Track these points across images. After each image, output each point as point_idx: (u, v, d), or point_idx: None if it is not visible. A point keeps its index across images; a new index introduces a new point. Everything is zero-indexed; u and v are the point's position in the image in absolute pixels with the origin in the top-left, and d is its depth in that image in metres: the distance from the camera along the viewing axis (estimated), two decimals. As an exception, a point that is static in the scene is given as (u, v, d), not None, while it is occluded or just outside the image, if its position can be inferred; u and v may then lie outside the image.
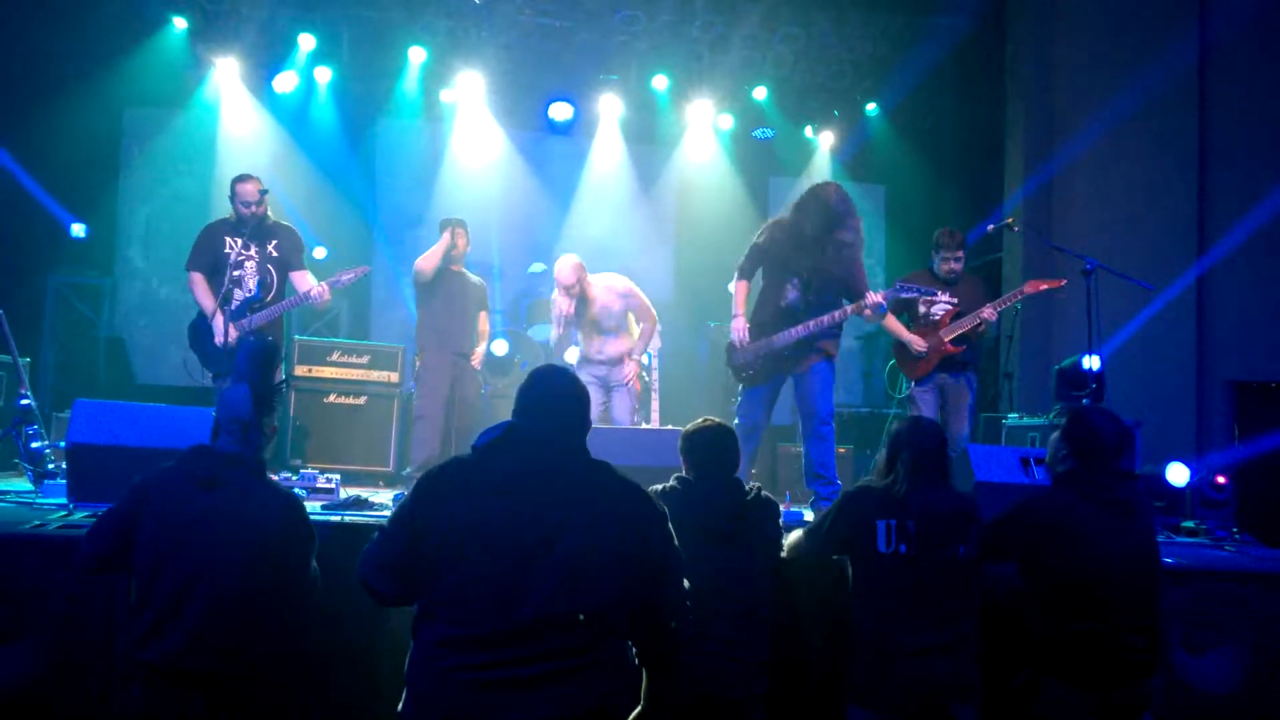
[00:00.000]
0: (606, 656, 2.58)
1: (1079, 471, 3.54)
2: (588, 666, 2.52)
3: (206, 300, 5.89)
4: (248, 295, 5.92)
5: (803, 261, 5.50)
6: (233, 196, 6.01)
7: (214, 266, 5.95)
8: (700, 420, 3.69)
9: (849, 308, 5.52)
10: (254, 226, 5.96)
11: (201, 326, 5.92)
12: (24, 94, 8.28)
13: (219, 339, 5.73)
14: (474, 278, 6.89)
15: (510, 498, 2.54)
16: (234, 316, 5.83)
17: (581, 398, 2.80)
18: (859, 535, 3.45)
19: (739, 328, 5.63)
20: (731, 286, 5.82)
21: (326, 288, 5.94)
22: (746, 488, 3.60)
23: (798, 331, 5.47)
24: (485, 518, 2.51)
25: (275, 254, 6.06)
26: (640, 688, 2.77)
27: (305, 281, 6.08)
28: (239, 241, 5.96)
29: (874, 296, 5.45)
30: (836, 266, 5.50)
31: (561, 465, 2.65)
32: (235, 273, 5.91)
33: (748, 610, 3.45)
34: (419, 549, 2.54)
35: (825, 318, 5.45)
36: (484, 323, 6.91)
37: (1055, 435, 3.65)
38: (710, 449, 3.58)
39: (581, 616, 2.50)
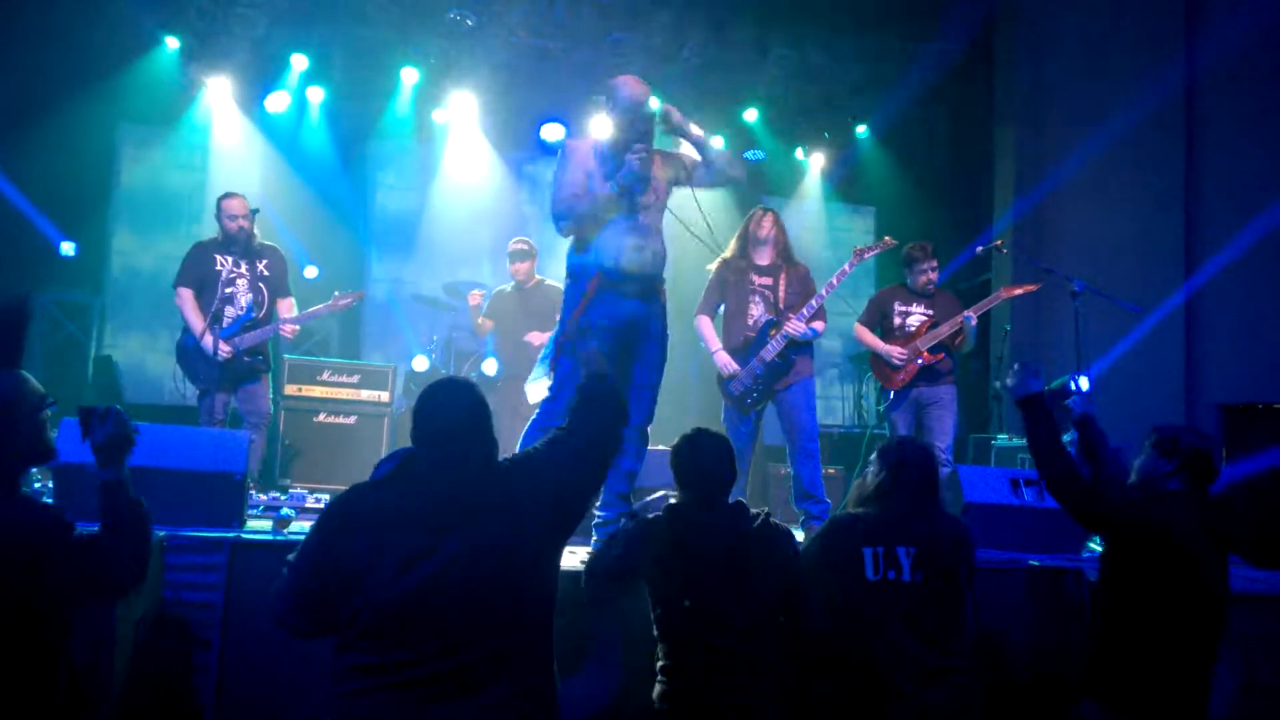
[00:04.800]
0: (527, 682, 2.55)
1: (1195, 495, 3.37)
2: (508, 695, 2.48)
3: (195, 318, 5.89)
4: (240, 313, 5.94)
5: (763, 282, 5.62)
6: (219, 214, 6.06)
7: (202, 284, 5.97)
8: (692, 431, 3.48)
9: (828, 283, 5.56)
10: (244, 245, 6.01)
11: (189, 344, 5.92)
12: (14, 111, 8.26)
13: (219, 355, 5.74)
14: (537, 290, 7.09)
15: (408, 533, 2.48)
16: (226, 334, 5.83)
17: (478, 411, 2.71)
18: (845, 563, 3.33)
19: (724, 361, 5.60)
20: (696, 324, 5.80)
21: (295, 329, 6.12)
22: (752, 513, 3.37)
23: (787, 331, 5.45)
24: (387, 553, 2.45)
25: (266, 273, 6.11)
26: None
27: (287, 308, 6.16)
28: (230, 260, 6.00)
29: (838, 274, 5.60)
30: (796, 282, 5.65)
31: (461, 490, 2.57)
32: (227, 290, 5.93)
33: (757, 650, 3.19)
34: (328, 583, 2.48)
35: (805, 309, 5.47)
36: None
37: (1151, 454, 3.46)
38: (701, 462, 3.37)
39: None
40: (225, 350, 5.77)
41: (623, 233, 4.43)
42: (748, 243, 5.70)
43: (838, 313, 9.95)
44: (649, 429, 4.69)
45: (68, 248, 8.44)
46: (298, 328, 6.17)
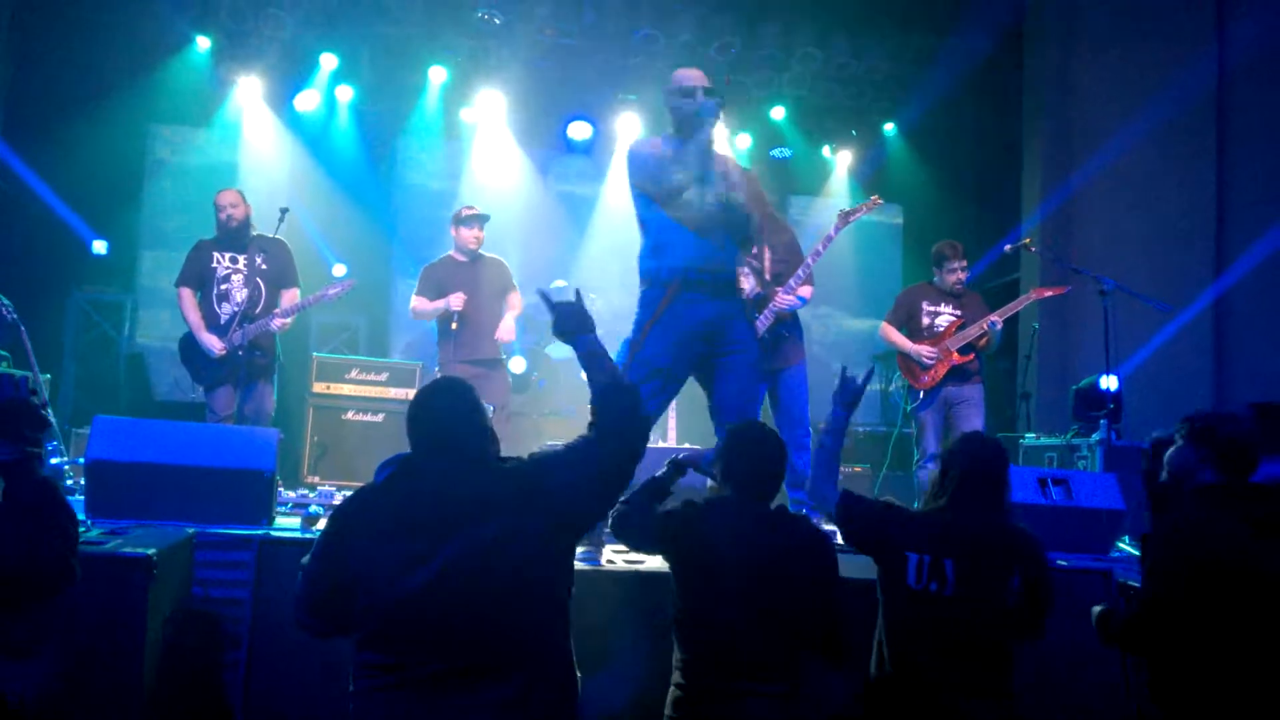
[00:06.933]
0: (541, 677, 2.55)
1: (1235, 487, 3.04)
2: (521, 691, 2.49)
3: (193, 315, 6.03)
4: (235, 308, 6.01)
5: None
6: (216, 210, 6.18)
7: (201, 281, 6.11)
8: (746, 422, 3.35)
9: (814, 250, 5.35)
10: (238, 237, 6.11)
11: (190, 342, 6.04)
12: (48, 111, 8.38)
13: (213, 352, 5.87)
14: (490, 263, 6.55)
15: (406, 537, 2.51)
16: (222, 330, 5.95)
17: (472, 412, 2.72)
18: (885, 556, 3.19)
19: None
20: None
21: (285, 322, 6.07)
22: (795, 518, 3.20)
23: (774, 307, 5.25)
24: (386, 557, 2.49)
25: (264, 267, 6.14)
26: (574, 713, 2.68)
27: (290, 299, 6.20)
28: (226, 256, 6.12)
29: (825, 240, 5.40)
30: (781, 249, 5.41)
31: (457, 492, 2.58)
32: (222, 286, 6.07)
33: (783, 664, 2.99)
34: (335, 586, 2.54)
35: (793, 278, 5.24)
36: (514, 301, 6.55)
37: (1182, 444, 3.13)
38: (753, 458, 3.15)
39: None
40: (219, 346, 5.87)
41: (699, 231, 4.37)
42: None
43: (867, 314, 9.98)
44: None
45: (100, 246, 8.55)
46: (288, 321, 6.12)
